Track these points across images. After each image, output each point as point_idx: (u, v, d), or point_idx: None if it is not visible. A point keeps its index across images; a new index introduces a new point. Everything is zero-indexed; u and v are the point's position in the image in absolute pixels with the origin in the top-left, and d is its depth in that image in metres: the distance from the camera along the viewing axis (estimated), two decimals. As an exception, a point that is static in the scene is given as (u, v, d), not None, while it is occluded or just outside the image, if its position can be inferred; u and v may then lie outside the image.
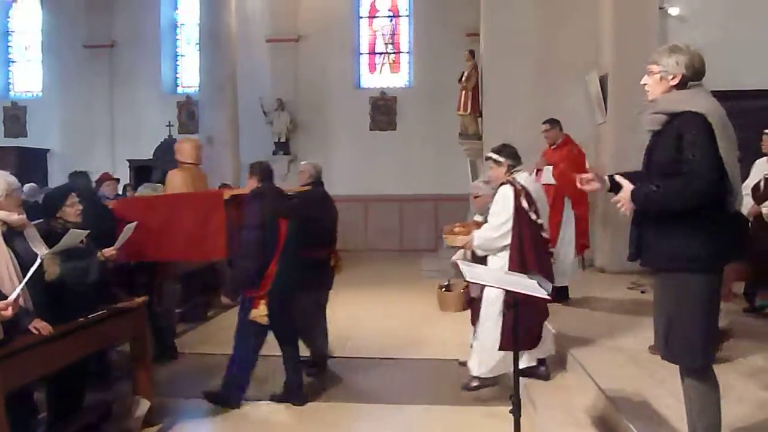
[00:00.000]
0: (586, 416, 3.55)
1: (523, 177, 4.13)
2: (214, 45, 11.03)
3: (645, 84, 2.60)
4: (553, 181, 6.13)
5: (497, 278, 2.86)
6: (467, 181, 10.04)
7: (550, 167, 6.17)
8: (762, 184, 5.17)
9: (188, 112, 13.93)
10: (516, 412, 2.72)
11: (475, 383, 4.18)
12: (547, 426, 3.50)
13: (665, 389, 3.48)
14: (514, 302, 3.08)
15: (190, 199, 5.13)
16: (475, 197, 4.61)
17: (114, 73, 14.17)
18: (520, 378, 2.97)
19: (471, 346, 4.26)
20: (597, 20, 8.49)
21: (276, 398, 4.32)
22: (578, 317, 5.37)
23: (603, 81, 8.00)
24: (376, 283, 9.42)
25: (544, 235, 4.10)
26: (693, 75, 2.49)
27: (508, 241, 3.96)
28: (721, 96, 2.59)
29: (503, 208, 4.00)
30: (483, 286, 3.96)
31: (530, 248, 3.93)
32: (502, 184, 4.10)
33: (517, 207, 3.96)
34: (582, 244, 6.27)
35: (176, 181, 5.71)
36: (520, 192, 4.00)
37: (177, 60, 14.62)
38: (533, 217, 3.99)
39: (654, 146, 2.53)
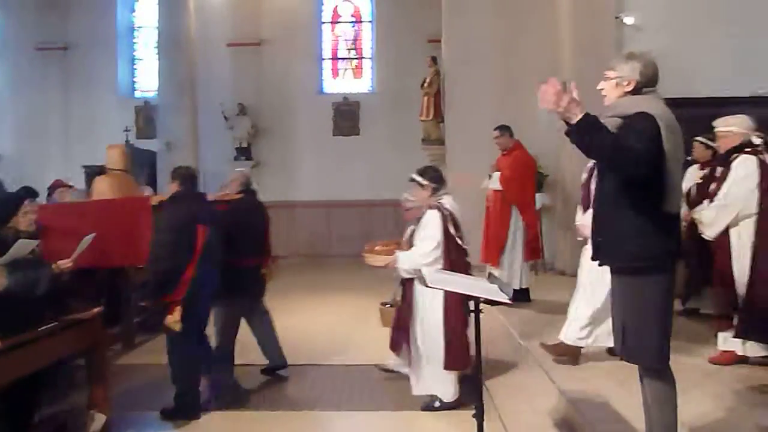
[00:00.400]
0: (549, 418, 3.58)
1: (448, 201, 4.18)
2: (173, 48, 10.85)
3: (602, 89, 2.68)
4: (499, 187, 6.23)
5: (459, 283, 2.87)
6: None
7: (498, 173, 6.26)
8: (693, 190, 5.32)
9: (146, 117, 13.63)
10: (479, 416, 2.72)
11: (437, 404, 4.13)
12: (510, 429, 3.52)
13: (625, 390, 3.55)
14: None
15: (116, 205, 5.09)
16: (406, 210, 4.63)
17: (68, 76, 13.76)
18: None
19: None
20: (556, 29, 8.67)
21: (166, 413, 4.14)
22: (538, 320, 5.44)
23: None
24: (338, 289, 9.38)
25: (467, 260, 4.20)
26: (647, 81, 2.57)
27: (438, 265, 3.99)
28: (673, 103, 2.67)
29: (433, 233, 4.02)
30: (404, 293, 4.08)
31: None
32: (430, 207, 4.12)
33: (445, 232, 4.01)
34: (532, 249, 6.35)
35: (102, 188, 5.61)
36: (447, 217, 4.05)
37: (134, 63, 14.31)
38: (459, 242, 4.07)
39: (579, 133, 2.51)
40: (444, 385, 4.04)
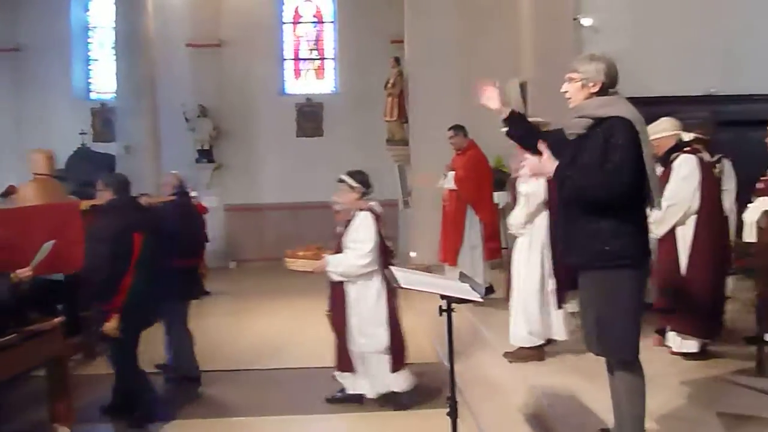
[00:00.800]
0: (520, 414, 3.64)
1: (376, 204, 4.24)
2: (130, 49, 10.58)
3: (566, 91, 2.70)
4: (454, 186, 6.30)
5: (431, 284, 2.88)
6: (395, 187, 10.14)
7: (452, 173, 6.32)
8: None
9: (104, 120, 13.26)
10: (453, 413, 2.74)
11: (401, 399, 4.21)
12: (483, 427, 3.56)
13: (592, 383, 3.62)
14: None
15: (45, 210, 4.98)
16: (336, 212, 4.67)
17: (20, 78, 13.26)
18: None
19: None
20: (516, 30, 8.81)
21: (107, 411, 4.19)
22: (506, 318, 5.50)
23: (523, 88, 8.28)
24: (305, 292, 9.31)
25: (393, 261, 4.31)
26: (610, 82, 2.62)
27: (374, 267, 4.06)
28: (632, 102, 2.73)
29: (368, 235, 4.07)
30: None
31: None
32: (361, 210, 4.17)
33: (378, 233, 4.09)
34: (491, 248, 6.40)
35: (29, 194, 5.49)
36: (378, 219, 4.14)
37: (89, 64, 13.91)
38: (388, 244, 4.19)
39: (579, 149, 2.61)
40: (398, 379, 4.12)
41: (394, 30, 12.22)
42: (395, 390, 4.17)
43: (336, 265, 4.11)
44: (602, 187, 2.46)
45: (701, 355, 4.05)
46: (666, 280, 4.09)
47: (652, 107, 7.98)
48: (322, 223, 13.22)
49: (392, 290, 4.17)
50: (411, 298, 6.92)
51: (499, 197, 8.46)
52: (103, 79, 13.55)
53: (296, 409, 4.32)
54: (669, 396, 3.35)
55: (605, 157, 2.48)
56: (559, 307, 4.22)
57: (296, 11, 13.85)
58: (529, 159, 2.66)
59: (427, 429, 3.82)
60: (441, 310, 2.74)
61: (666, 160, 4.20)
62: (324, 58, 13.89)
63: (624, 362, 2.62)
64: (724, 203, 5.76)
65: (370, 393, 4.21)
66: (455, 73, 8.89)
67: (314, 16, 13.92)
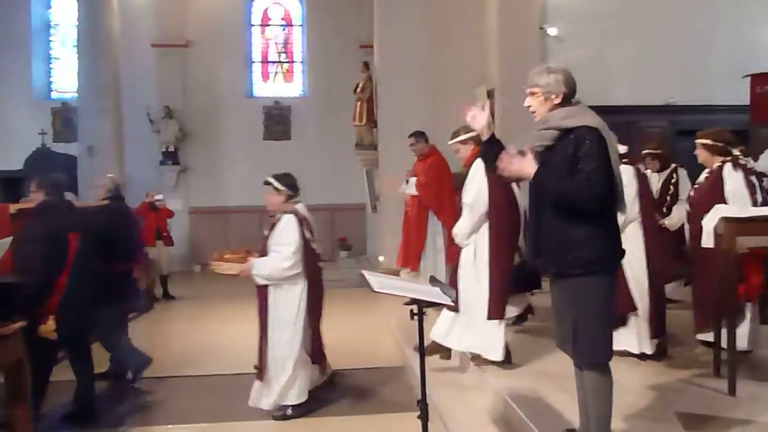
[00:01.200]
0: (488, 416, 3.70)
1: (301, 207, 4.25)
2: (93, 47, 10.33)
3: (529, 106, 2.73)
4: (415, 192, 6.36)
5: (404, 288, 2.91)
6: (363, 191, 10.17)
7: (414, 179, 6.39)
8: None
9: (65, 120, 12.95)
10: (424, 417, 2.77)
11: (290, 411, 4.17)
12: (451, 429, 3.60)
13: (555, 385, 3.72)
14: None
15: None
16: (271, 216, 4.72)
17: (-24, 76, 12.87)
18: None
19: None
20: (484, 37, 8.96)
21: (67, 418, 4.19)
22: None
23: (490, 95, 8.42)
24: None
25: (320, 265, 4.32)
26: (571, 92, 2.67)
27: (298, 270, 4.05)
28: (594, 111, 2.81)
29: (292, 238, 4.06)
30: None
31: (312, 279, 4.14)
32: (285, 212, 4.17)
33: (302, 237, 4.08)
34: (452, 252, 6.44)
35: None
36: (303, 222, 4.13)
37: (51, 63, 13.56)
38: (314, 246, 4.17)
39: (546, 161, 2.63)
40: (295, 390, 4.10)
41: (363, 35, 12.28)
42: (288, 403, 4.12)
43: (260, 268, 4.07)
44: (579, 194, 2.49)
45: (657, 356, 4.21)
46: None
47: (614, 116, 8.21)
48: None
49: (315, 295, 4.18)
50: (380, 302, 6.97)
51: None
52: (65, 78, 13.23)
53: (261, 414, 4.28)
54: (630, 397, 3.45)
55: (575, 166, 2.52)
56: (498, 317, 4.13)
57: (265, 13, 13.78)
58: (512, 155, 2.63)
59: (396, 432, 3.85)
60: (412, 314, 2.76)
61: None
62: (293, 62, 13.84)
63: (595, 364, 2.67)
64: (674, 213, 6.10)
65: (264, 402, 4.11)
66: (424, 78, 8.99)
67: (283, 19, 13.87)
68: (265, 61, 13.77)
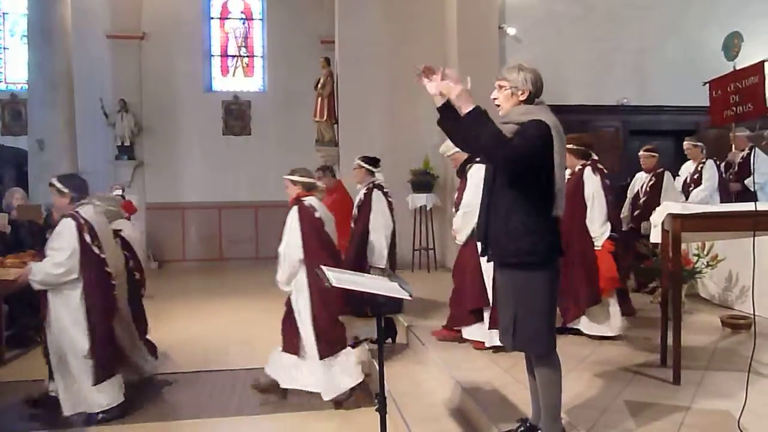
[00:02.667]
0: (445, 408, 3.77)
1: (87, 211, 4.14)
2: (44, 38, 9.98)
3: (495, 99, 2.82)
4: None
5: (361, 283, 2.94)
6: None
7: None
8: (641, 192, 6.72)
9: (14, 112, 12.53)
10: (382, 410, 2.81)
11: (100, 416, 4.07)
12: (410, 422, 3.65)
13: (510, 377, 3.82)
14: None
15: None
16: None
17: None
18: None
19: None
20: (443, 35, 9.05)
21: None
22: (432, 316, 5.64)
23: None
24: (230, 293, 9.18)
25: (108, 270, 4.11)
26: (537, 91, 2.76)
27: (74, 275, 3.94)
28: (552, 111, 2.92)
29: (66, 243, 3.93)
30: None
31: (97, 283, 4.01)
32: (64, 216, 4.05)
33: (82, 242, 3.96)
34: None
35: None
36: (83, 226, 3.99)
37: (-1, 53, 13.09)
38: (96, 251, 4.03)
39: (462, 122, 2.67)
40: (94, 395, 3.98)
41: (324, 30, 12.25)
42: (95, 410, 4.00)
43: (35, 273, 3.95)
44: (487, 138, 2.52)
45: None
46: (461, 281, 4.59)
47: (568, 115, 8.40)
48: (246, 223, 13.11)
49: (104, 300, 4.04)
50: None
51: (427, 199, 8.68)
52: (14, 69, 12.78)
53: (221, 410, 4.25)
54: (580, 387, 3.57)
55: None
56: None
57: (224, 7, 13.59)
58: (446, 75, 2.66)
59: (355, 426, 3.88)
60: (371, 309, 2.80)
61: (462, 172, 4.68)
62: (253, 56, 13.69)
63: (540, 356, 2.76)
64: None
65: (68, 409, 4.01)
66: (385, 75, 9.03)
67: (242, 13, 13.70)
68: (224, 55, 13.58)
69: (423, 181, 8.68)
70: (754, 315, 3.66)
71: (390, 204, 6.06)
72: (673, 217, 3.66)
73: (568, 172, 4.67)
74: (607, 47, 8.90)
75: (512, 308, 2.73)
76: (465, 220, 4.44)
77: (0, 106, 12.62)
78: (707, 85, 7.62)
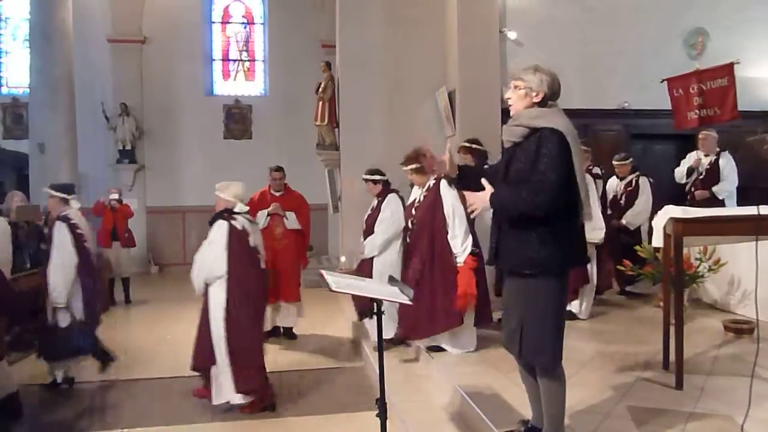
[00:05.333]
0: (445, 413, 3.74)
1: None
2: (46, 42, 10.00)
3: (509, 98, 2.78)
4: (298, 226, 6.36)
5: (361, 287, 2.93)
6: (325, 191, 10.14)
7: (292, 213, 6.33)
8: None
9: (15, 115, 12.53)
10: (382, 415, 2.79)
11: None
12: (410, 426, 3.63)
13: (510, 380, 3.79)
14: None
15: None
16: None
17: None
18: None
19: None
20: (444, 39, 9.05)
21: None
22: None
23: (451, 96, 8.51)
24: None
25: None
26: (552, 95, 2.71)
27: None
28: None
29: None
30: None
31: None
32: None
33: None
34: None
35: None
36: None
37: (0, 57, 13.08)
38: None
39: (512, 158, 2.69)
40: None
41: (324, 34, 12.25)
42: None
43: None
44: (526, 203, 2.51)
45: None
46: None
47: (570, 119, 8.46)
48: (249, 227, 13.06)
49: None
50: (340, 301, 6.97)
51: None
52: (15, 73, 12.79)
53: (217, 416, 4.23)
54: (581, 392, 3.54)
55: (535, 166, 2.54)
56: None
57: (225, 11, 13.60)
58: (472, 196, 2.74)
59: (356, 431, 3.86)
60: (371, 313, 2.78)
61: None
62: (254, 60, 13.70)
63: (545, 368, 2.69)
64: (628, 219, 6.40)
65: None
66: (386, 79, 9.03)
67: (244, 17, 13.72)
68: (225, 59, 13.59)
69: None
70: (757, 319, 3.64)
71: None
72: (675, 220, 3.64)
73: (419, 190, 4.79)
74: (608, 51, 8.88)
75: (519, 316, 2.68)
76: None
77: (1, 110, 12.62)
78: (664, 82, 7.24)
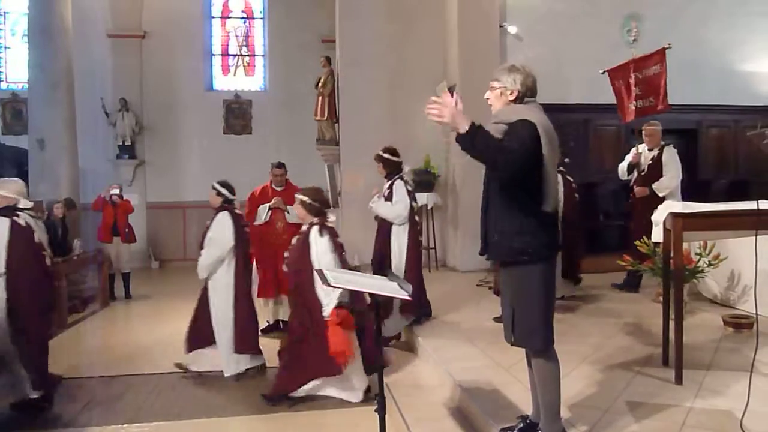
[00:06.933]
0: (444, 408, 3.75)
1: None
2: (45, 37, 9.97)
3: (488, 98, 2.89)
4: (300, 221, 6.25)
5: (360, 283, 2.93)
6: (325, 187, 10.13)
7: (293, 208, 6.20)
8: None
9: (14, 111, 12.53)
10: (381, 410, 2.79)
11: None
12: (410, 422, 3.64)
13: (511, 376, 3.81)
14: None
15: None
16: None
17: None
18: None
19: None
20: (444, 34, 9.03)
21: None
22: (433, 315, 5.63)
23: (451, 91, 8.46)
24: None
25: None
26: (527, 91, 2.80)
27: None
28: (551, 109, 2.94)
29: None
30: None
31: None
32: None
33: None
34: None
35: None
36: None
37: (0, 52, 13.07)
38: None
39: (464, 140, 2.66)
40: None
41: (324, 29, 12.23)
42: None
43: None
44: (490, 150, 2.53)
45: None
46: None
47: (569, 114, 8.43)
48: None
49: None
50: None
51: (428, 198, 8.66)
52: (14, 68, 12.77)
53: (216, 411, 4.24)
54: (580, 386, 3.55)
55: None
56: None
57: (225, 5, 13.57)
58: (447, 103, 2.57)
59: (355, 426, 3.86)
60: (370, 308, 2.78)
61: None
62: (254, 55, 13.67)
63: (538, 351, 2.80)
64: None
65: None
66: (386, 74, 9.02)
67: (243, 12, 13.68)
68: (225, 54, 13.56)
69: (424, 181, 8.65)
70: (756, 314, 3.64)
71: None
72: (675, 216, 3.64)
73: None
74: (609, 45, 8.85)
75: (511, 303, 2.81)
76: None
77: (1, 106, 12.62)
78: (605, 74, 6.75)
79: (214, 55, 13.46)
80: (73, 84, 10.33)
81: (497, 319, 5.13)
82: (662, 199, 5.85)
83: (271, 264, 6.08)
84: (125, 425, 3.99)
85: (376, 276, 3.29)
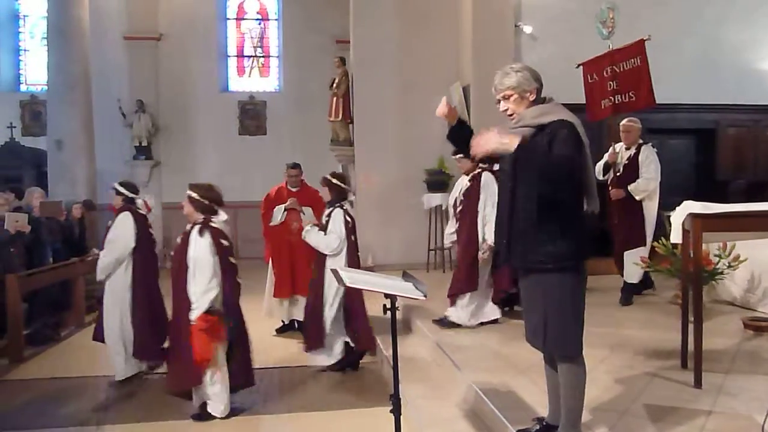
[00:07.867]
0: (459, 410, 3.73)
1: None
2: (63, 40, 10.11)
3: (505, 110, 2.72)
4: (315, 221, 6.21)
5: (376, 283, 2.92)
6: (339, 187, 10.15)
7: (309, 209, 6.08)
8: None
9: (33, 113, 12.70)
10: (396, 411, 2.78)
11: None
12: (424, 423, 3.62)
13: (527, 378, 3.77)
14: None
15: None
16: None
17: (-58, 67, 12.52)
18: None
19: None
20: (459, 33, 9.00)
21: None
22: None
23: (466, 91, 8.46)
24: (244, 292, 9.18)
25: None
26: (540, 85, 2.68)
27: None
28: (568, 109, 2.85)
29: None
30: None
31: None
32: None
33: None
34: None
35: None
36: None
37: (19, 55, 13.25)
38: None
39: (518, 159, 2.57)
40: None
41: (339, 30, 12.24)
42: None
43: None
44: (556, 171, 2.44)
45: None
46: None
47: (584, 113, 8.33)
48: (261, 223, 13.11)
49: None
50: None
51: (442, 199, 8.63)
52: (34, 70, 12.95)
53: (237, 409, 4.25)
54: (598, 389, 3.51)
55: (551, 151, 2.50)
56: None
57: (240, 7, 13.66)
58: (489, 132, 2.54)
59: (370, 426, 3.85)
60: (385, 309, 2.77)
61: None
62: (268, 56, 13.73)
63: (568, 358, 2.70)
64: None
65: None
66: (400, 74, 9.01)
67: (258, 13, 13.76)
68: (240, 56, 13.65)
69: (437, 181, 8.63)
70: (777, 317, 3.57)
71: None
72: (694, 216, 3.58)
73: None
74: (623, 44, 8.76)
75: (541, 311, 2.68)
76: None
77: (20, 107, 12.78)
78: (580, 68, 6.45)
79: (229, 56, 13.55)
80: (91, 86, 10.46)
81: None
82: (640, 202, 5.68)
83: (287, 264, 6.09)
84: (132, 424, 4.01)
85: (390, 276, 3.28)
